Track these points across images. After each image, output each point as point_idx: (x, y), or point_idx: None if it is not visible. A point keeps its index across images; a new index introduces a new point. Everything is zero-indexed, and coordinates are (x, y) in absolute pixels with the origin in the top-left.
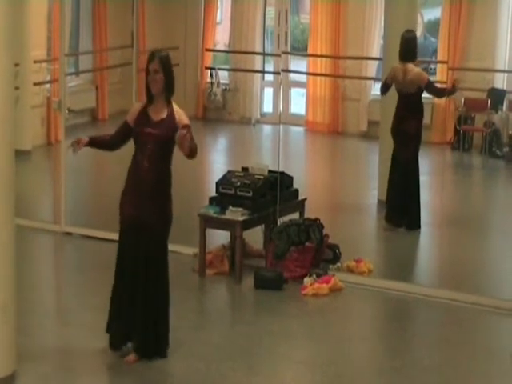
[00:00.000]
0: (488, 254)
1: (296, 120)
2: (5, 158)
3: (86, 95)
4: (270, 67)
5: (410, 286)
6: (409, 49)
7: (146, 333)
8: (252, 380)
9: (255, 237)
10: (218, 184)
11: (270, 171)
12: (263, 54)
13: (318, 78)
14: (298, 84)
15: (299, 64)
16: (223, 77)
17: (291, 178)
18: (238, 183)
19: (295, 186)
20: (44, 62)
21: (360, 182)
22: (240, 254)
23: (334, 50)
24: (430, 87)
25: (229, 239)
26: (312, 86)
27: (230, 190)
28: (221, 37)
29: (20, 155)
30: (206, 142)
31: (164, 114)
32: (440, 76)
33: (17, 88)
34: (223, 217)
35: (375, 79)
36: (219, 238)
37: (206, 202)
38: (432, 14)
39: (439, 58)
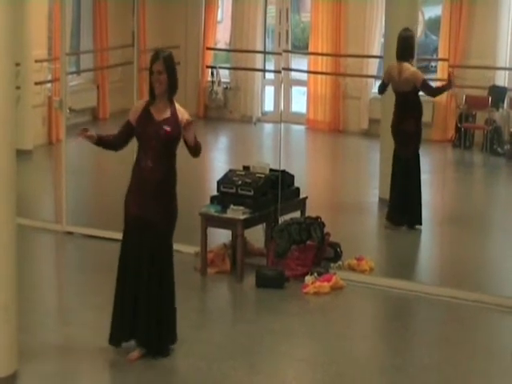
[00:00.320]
0: (489, 252)
1: (297, 118)
2: (6, 158)
3: (87, 94)
4: (270, 66)
5: (412, 284)
6: (405, 47)
7: (150, 331)
8: (253, 379)
9: (256, 235)
10: (219, 183)
11: (271, 170)
12: (264, 52)
13: (319, 76)
14: (299, 82)
15: (300, 62)
16: (224, 75)
17: (292, 177)
18: (240, 182)
19: (296, 184)
20: (45, 62)
21: (361, 180)
22: (241, 252)
23: (334, 49)
24: (425, 87)
25: (230, 238)
26: (313, 85)
27: (231, 189)
28: (222, 35)
29: (21, 155)
30: (207, 141)
31: (167, 114)
32: (441, 74)
33: (18, 87)
34: (224, 216)
35: (376, 77)
36: (220, 236)
37: (208, 201)
38: (433, 11)
39: (440, 55)
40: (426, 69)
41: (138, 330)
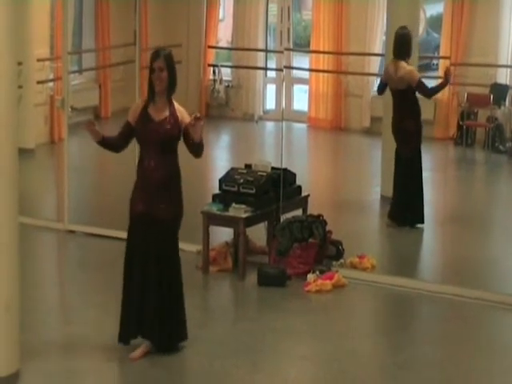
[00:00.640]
0: (491, 250)
1: (299, 116)
2: (8, 157)
3: (89, 93)
4: (272, 64)
5: (414, 282)
6: (401, 45)
7: (158, 328)
8: (255, 377)
9: (258, 234)
10: (221, 181)
11: (272, 168)
12: (266, 50)
13: (321, 74)
14: (301, 80)
15: (302, 60)
16: (226, 74)
17: (294, 175)
18: (241, 180)
19: (298, 182)
20: (47, 61)
21: (363, 178)
22: (243, 250)
23: (336, 47)
24: (420, 87)
25: (232, 236)
26: (314, 83)
27: (233, 187)
28: (223, 34)
29: (23, 153)
30: (209, 139)
31: (166, 113)
32: (443, 72)
33: (20, 86)
34: (226, 214)
35: (378, 75)
36: (222, 235)
37: (209, 200)
38: (434, 9)
39: (442, 53)
40: (427, 67)
41: (145, 327)
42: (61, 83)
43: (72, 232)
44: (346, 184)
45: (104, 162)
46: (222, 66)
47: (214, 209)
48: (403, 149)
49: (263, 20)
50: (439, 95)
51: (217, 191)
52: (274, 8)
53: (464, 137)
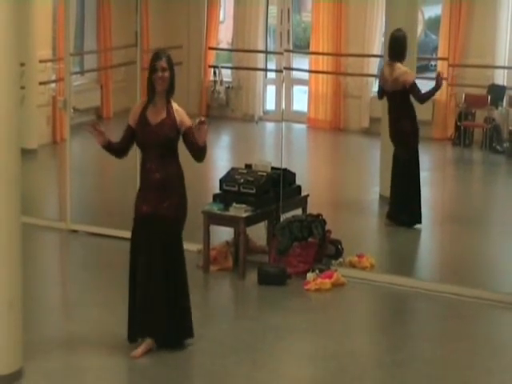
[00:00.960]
0: (489, 249)
1: (298, 117)
2: (11, 157)
3: (90, 94)
4: (272, 65)
5: (412, 281)
6: (396, 48)
7: (164, 326)
8: (256, 374)
9: (258, 233)
10: (221, 181)
11: (272, 168)
12: (266, 52)
13: (320, 75)
14: (301, 81)
15: (301, 62)
16: (226, 75)
17: (294, 175)
18: (242, 180)
19: (298, 182)
20: (49, 62)
21: (362, 178)
22: (243, 250)
23: (335, 48)
24: (414, 89)
25: (232, 235)
26: (314, 84)
27: (233, 187)
28: (224, 35)
29: (26, 154)
30: (210, 140)
31: (163, 115)
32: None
33: (22, 87)
34: (227, 213)
35: (376, 76)
36: (223, 234)
37: (210, 199)
38: (433, 11)
39: (440, 54)
40: (425, 68)
41: (151, 326)
42: (63, 84)
43: (74, 231)
44: (345, 184)
45: (106, 162)
46: (223, 67)
47: (215, 208)
48: (401, 150)
49: (263, 22)
50: (437, 96)
51: (217, 191)
52: (273, 10)
53: (462, 137)
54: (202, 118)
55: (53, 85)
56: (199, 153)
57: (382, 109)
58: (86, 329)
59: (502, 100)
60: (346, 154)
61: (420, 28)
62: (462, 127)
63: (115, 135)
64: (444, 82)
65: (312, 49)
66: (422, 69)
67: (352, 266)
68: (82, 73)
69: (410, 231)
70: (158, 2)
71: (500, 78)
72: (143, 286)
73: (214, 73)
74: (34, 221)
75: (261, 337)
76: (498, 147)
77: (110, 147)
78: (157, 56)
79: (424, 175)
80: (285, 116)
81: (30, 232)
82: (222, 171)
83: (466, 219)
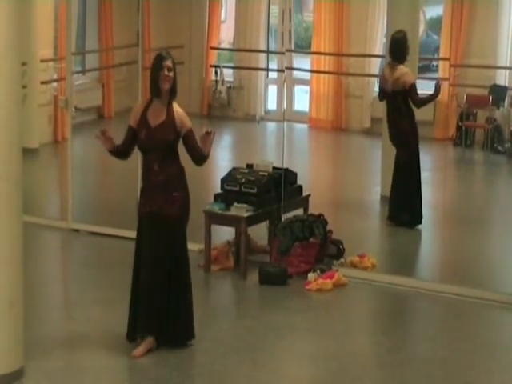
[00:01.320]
0: (490, 249)
1: (300, 117)
2: (12, 156)
3: (92, 93)
4: (273, 65)
5: (413, 281)
6: (397, 49)
7: (168, 327)
8: (256, 374)
9: (260, 233)
10: (222, 181)
11: (274, 168)
12: (267, 51)
13: (322, 75)
14: (302, 81)
15: (303, 62)
16: (228, 74)
17: (295, 175)
18: (243, 180)
19: (299, 182)
20: (51, 61)
21: (363, 178)
22: (245, 249)
23: (337, 48)
24: (413, 91)
25: (234, 235)
26: (315, 84)
27: (234, 187)
28: (225, 35)
29: (27, 153)
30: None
31: (163, 117)
32: (442, 73)
33: (24, 87)
34: (228, 213)
35: (378, 76)
36: (224, 234)
37: (211, 199)
38: (434, 11)
39: (441, 55)
40: (427, 68)
41: (153, 326)
42: (64, 83)
43: (76, 231)
44: (347, 184)
45: (107, 161)
46: (224, 66)
47: (216, 208)
48: (401, 151)
49: (265, 21)
50: (439, 96)
51: (219, 191)
52: (275, 9)
53: (463, 137)
54: (209, 130)
55: (54, 84)
56: (200, 159)
57: (383, 109)
58: (87, 328)
59: (504, 100)
60: (347, 154)
61: (422, 28)
62: (463, 127)
63: (116, 134)
64: (445, 82)
65: (313, 49)
66: (424, 69)
67: (353, 266)
68: (83, 72)
69: (411, 231)
70: (159, 2)
71: (502, 78)
72: (146, 284)
73: (216, 72)
74: (36, 220)
75: (262, 337)
76: (500, 147)
77: (115, 151)
78: (164, 56)
79: (425, 175)
80: (286, 116)
81: (31, 231)
82: (223, 171)
83: (467, 219)
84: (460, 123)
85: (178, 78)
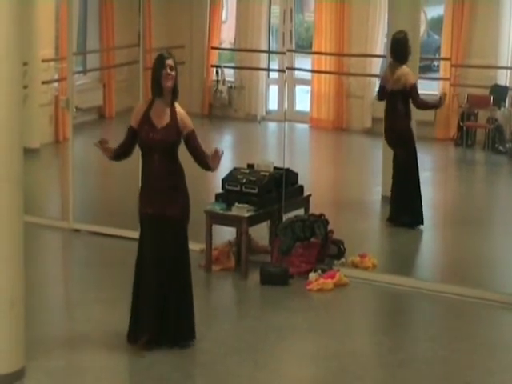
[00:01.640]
0: (491, 249)
1: (301, 117)
2: (13, 156)
3: (93, 93)
4: (274, 65)
5: (414, 281)
6: (398, 50)
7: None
8: (257, 374)
9: (261, 233)
10: (223, 181)
11: (275, 168)
12: (268, 51)
13: (323, 75)
14: (303, 81)
15: (304, 62)
16: (229, 74)
17: (296, 175)
18: (244, 180)
19: (300, 182)
20: (52, 61)
21: (364, 178)
22: (246, 249)
23: (338, 48)
24: (414, 91)
25: (235, 235)
26: (317, 84)
27: (235, 187)
28: (226, 35)
29: (28, 153)
30: (212, 140)
31: (167, 119)
32: (443, 73)
33: (25, 87)
34: (229, 213)
35: (379, 76)
36: (225, 234)
37: (213, 199)
38: (435, 11)
39: (442, 55)
40: (428, 68)
41: (156, 326)
42: (65, 83)
43: (77, 231)
44: (348, 184)
45: (108, 162)
46: (225, 66)
47: (217, 208)
48: (398, 152)
49: (266, 21)
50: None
51: (220, 191)
52: (276, 9)
53: (464, 138)
54: (219, 150)
55: (55, 84)
56: (204, 165)
57: (384, 109)
58: (88, 328)
59: (505, 100)
60: (348, 154)
61: (423, 28)
62: (464, 128)
63: (117, 134)
64: (446, 83)
65: (314, 49)
66: (425, 69)
67: (354, 266)
68: (84, 72)
69: (412, 231)
70: (160, 2)
71: (503, 78)
72: (148, 285)
73: (217, 72)
74: (37, 220)
75: (263, 337)
76: (501, 148)
77: (116, 156)
78: (164, 55)
79: (426, 175)
80: (287, 116)
81: (32, 231)
82: (224, 171)
83: (467, 219)
84: (461, 123)
85: (179, 78)
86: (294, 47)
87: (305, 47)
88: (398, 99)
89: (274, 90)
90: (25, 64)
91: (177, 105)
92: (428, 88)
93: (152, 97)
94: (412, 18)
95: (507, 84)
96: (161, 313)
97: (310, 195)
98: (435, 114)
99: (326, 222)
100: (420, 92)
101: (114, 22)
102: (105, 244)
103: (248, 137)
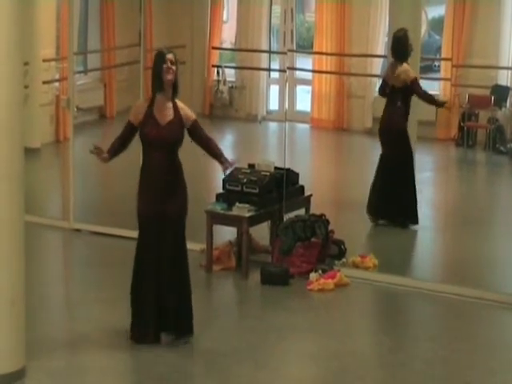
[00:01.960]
0: (492, 250)
1: (302, 117)
2: (14, 156)
3: (94, 93)
4: (275, 65)
5: (415, 281)
6: (398, 47)
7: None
8: (258, 374)
9: (261, 233)
10: (224, 181)
11: (276, 168)
12: (269, 51)
13: (324, 75)
14: (304, 81)
15: (305, 62)
16: (230, 74)
17: (297, 175)
18: (245, 180)
19: (301, 182)
20: (53, 61)
21: (365, 178)
22: (246, 249)
23: (339, 48)
24: (415, 84)
25: (235, 235)
26: (317, 84)
27: (236, 187)
28: (227, 35)
29: (29, 153)
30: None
31: (170, 115)
32: (444, 73)
33: (26, 86)
34: (230, 213)
35: (380, 76)
36: (226, 234)
37: (213, 199)
38: (436, 11)
39: (443, 55)
40: (429, 68)
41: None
42: (66, 83)
43: (77, 230)
44: (348, 184)
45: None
46: (226, 66)
47: (218, 208)
48: (393, 150)
49: (267, 21)
50: (441, 97)
51: (220, 191)
52: (277, 10)
53: (465, 138)
54: (233, 161)
55: (56, 84)
56: (212, 154)
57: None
58: (88, 327)
59: (506, 101)
60: (348, 154)
61: (423, 28)
62: (465, 128)
63: (118, 134)
64: (447, 83)
65: (315, 49)
66: (426, 69)
67: (355, 266)
68: (85, 72)
69: (412, 232)
70: (161, 2)
71: (504, 78)
72: (148, 284)
73: (218, 72)
74: (37, 219)
75: (263, 336)
76: (502, 148)
77: (112, 156)
78: (164, 51)
79: (427, 175)
80: (288, 116)
81: (33, 231)
82: None
83: (468, 220)
84: (462, 123)
85: (180, 78)
86: (294, 47)
87: (306, 47)
88: (398, 97)
89: (274, 89)
90: (26, 64)
91: (177, 100)
92: (429, 88)
93: (153, 93)
94: (413, 18)
95: (508, 84)
96: (160, 310)
97: (310, 195)
98: (436, 115)
99: (327, 222)
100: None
101: (114, 21)
102: (105, 244)
103: (249, 137)
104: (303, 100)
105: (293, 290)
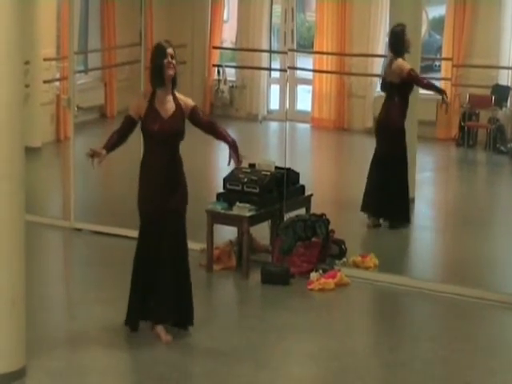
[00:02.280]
0: (492, 249)
1: (302, 117)
2: (15, 155)
3: (94, 92)
4: (276, 64)
5: (415, 281)
6: (395, 42)
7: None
8: (258, 374)
9: (262, 232)
10: (225, 180)
11: (276, 167)
12: (270, 51)
13: (324, 74)
14: (304, 81)
15: (305, 61)
16: (230, 74)
17: (297, 174)
18: (245, 179)
19: (301, 182)
20: (53, 60)
21: (365, 177)
22: (247, 249)
23: (339, 48)
24: (412, 75)
25: (236, 235)
26: (318, 83)
27: (237, 186)
28: (228, 35)
29: (30, 152)
30: (212, 139)
31: (172, 108)
32: (445, 73)
33: (27, 86)
34: (230, 213)
35: (380, 76)
36: (226, 233)
37: (214, 198)
38: (437, 11)
39: (444, 54)
40: (429, 68)
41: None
42: (67, 82)
43: (78, 230)
44: (349, 183)
45: (110, 160)
46: (227, 66)
47: (219, 207)
48: (390, 147)
49: (267, 21)
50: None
51: (221, 190)
52: (277, 9)
53: (466, 138)
54: (241, 158)
55: (57, 83)
56: (217, 135)
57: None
58: (88, 327)
59: (507, 100)
60: (349, 154)
61: (424, 28)
62: (465, 128)
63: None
64: (448, 83)
65: (316, 48)
66: (426, 69)
67: (355, 265)
68: (86, 71)
69: (413, 232)
70: (162, 1)
71: (504, 78)
72: (157, 277)
73: (218, 72)
74: (38, 219)
75: (263, 336)
76: (502, 148)
77: (110, 150)
78: (165, 44)
79: (427, 175)
80: (289, 115)
81: (33, 230)
82: (225, 170)
83: (468, 219)
84: (462, 123)
85: (181, 78)
86: (295, 47)
87: (306, 47)
88: (395, 94)
89: (275, 89)
90: (26, 63)
91: (176, 92)
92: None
93: (153, 87)
94: (413, 18)
95: (509, 84)
96: (172, 301)
97: (311, 195)
98: (436, 114)
99: (328, 221)
100: (421, 92)
101: (115, 20)
102: (106, 243)
103: (249, 136)
104: (304, 100)
105: (293, 289)
